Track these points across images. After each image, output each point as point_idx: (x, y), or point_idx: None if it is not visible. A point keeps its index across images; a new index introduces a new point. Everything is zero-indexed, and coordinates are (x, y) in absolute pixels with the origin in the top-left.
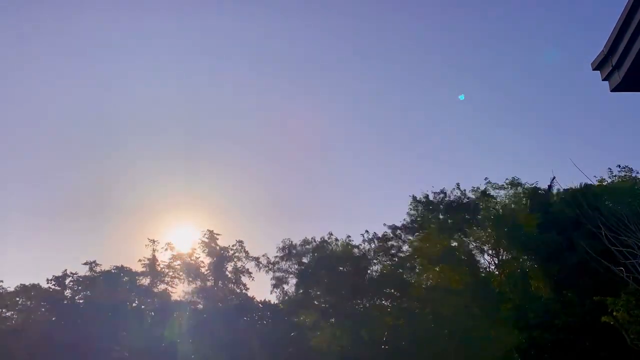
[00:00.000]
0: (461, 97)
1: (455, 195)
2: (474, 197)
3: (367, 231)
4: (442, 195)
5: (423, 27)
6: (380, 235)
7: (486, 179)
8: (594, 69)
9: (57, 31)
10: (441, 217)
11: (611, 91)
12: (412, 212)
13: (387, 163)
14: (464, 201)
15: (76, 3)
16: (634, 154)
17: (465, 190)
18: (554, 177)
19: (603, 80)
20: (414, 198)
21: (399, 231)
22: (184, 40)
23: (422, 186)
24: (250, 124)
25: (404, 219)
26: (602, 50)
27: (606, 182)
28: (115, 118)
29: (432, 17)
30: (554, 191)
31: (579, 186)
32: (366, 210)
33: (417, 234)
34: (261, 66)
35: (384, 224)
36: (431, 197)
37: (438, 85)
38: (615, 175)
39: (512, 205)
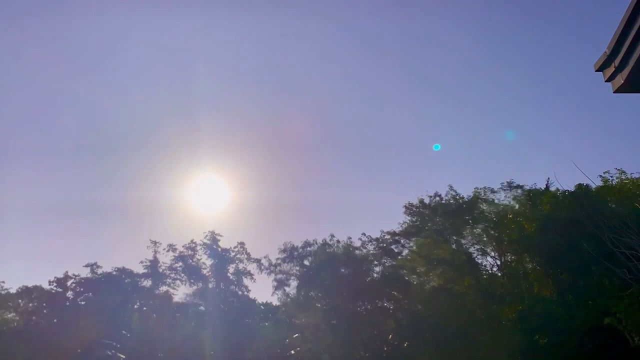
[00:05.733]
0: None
1: (450, 197)
2: (471, 199)
3: (364, 234)
4: (437, 199)
5: (423, 28)
6: (379, 238)
7: (481, 187)
8: (596, 70)
9: (59, 30)
10: (439, 219)
11: (614, 92)
12: (408, 218)
13: (388, 164)
14: (462, 204)
15: (81, 4)
16: (637, 154)
17: (460, 193)
18: (549, 178)
19: (606, 81)
20: (407, 207)
21: (397, 237)
22: (186, 40)
23: (422, 189)
24: (253, 126)
25: (401, 225)
26: (605, 52)
27: (608, 184)
28: (117, 118)
29: (432, 18)
30: (555, 192)
31: (580, 187)
32: (367, 212)
33: (414, 238)
34: (264, 67)
35: (381, 231)
36: (426, 201)
37: (438, 86)
38: (614, 177)
39: (512, 207)
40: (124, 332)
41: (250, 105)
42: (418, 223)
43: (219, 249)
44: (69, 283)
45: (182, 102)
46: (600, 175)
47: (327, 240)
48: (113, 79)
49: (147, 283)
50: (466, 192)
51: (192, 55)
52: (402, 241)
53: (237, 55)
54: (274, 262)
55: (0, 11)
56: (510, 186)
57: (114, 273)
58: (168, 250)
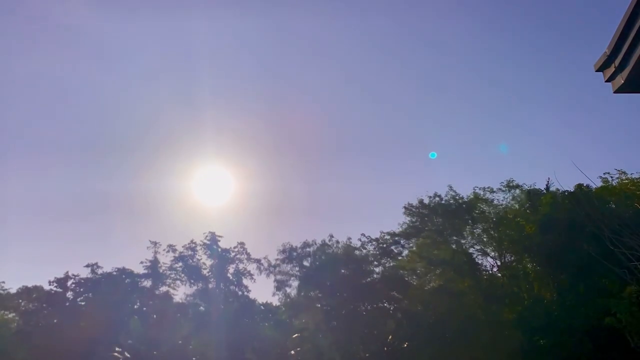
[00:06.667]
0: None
1: (450, 198)
2: (471, 199)
3: (363, 234)
4: (437, 199)
5: (423, 28)
6: (379, 238)
7: (480, 187)
8: (596, 71)
9: (67, 27)
10: (439, 220)
11: (614, 92)
12: (408, 218)
13: (388, 165)
14: (461, 204)
15: (91, 2)
16: (637, 154)
17: (460, 193)
18: (549, 178)
19: (606, 81)
20: (407, 207)
21: (397, 237)
22: (188, 40)
23: (423, 189)
24: (254, 126)
25: (401, 226)
26: (605, 52)
27: (608, 184)
28: (117, 118)
29: (432, 18)
30: (554, 192)
31: (580, 188)
32: (368, 212)
33: (414, 239)
34: (266, 67)
35: (381, 232)
36: (426, 202)
37: (438, 85)
38: (614, 177)
39: (512, 207)
40: (124, 332)
41: (251, 107)
42: (418, 223)
43: (219, 249)
44: (69, 283)
45: (185, 100)
46: (601, 176)
47: (327, 241)
48: (117, 76)
49: (147, 283)
50: (466, 193)
51: (196, 52)
52: (401, 242)
53: (241, 54)
54: (273, 262)
55: (14, 6)
56: (510, 186)
57: (114, 273)
58: (168, 251)
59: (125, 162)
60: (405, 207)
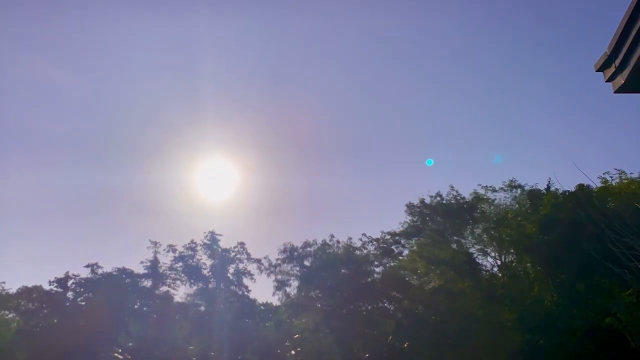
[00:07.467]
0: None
1: (451, 197)
2: (472, 199)
3: (364, 234)
4: (438, 199)
5: (422, 28)
6: (379, 238)
7: (482, 185)
8: (597, 71)
9: (74, 26)
10: (440, 220)
11: (615, 93)
12: (409, 217)
13: (388, 165)
14: (462, 204)
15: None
16: (637, 154)
17: (460, 193)
18: (550, 178)
19: (606, 81)
20: (409, 206)
21: (397, 237)
22: (191, 36)
23: (424, 189)
24: (254, 126)
25: (402, 225)
26: (605, 52)
27: (608, 184)
28: (117, 118)
29: (433, 19)
30: (555, 192)
31: (581, 188)
32: (368, 212)
33: (415, 238)
34: (268, 65)
35: (381, 232)
36: (427, 201)
37: (439, 85)
38: (614, 177)
39: (513, 207)
40: (124, 332)
41: (252, 108)
42: (419, 223)
43: (219, 249)
44: (69, 283)
45: (186, 99)
46: (601, 176)
47: (327, 241)
48: (118, 73)
49: (147, 283)
50: (467, 192)
51: (198, 49)
52: (402, 241)
53: (244, 51)
54: (274, 262)
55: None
56: (511, 186)
57: (114, 273)
58: (168, 251)
59: (126, 161)
60: (407, 206)
